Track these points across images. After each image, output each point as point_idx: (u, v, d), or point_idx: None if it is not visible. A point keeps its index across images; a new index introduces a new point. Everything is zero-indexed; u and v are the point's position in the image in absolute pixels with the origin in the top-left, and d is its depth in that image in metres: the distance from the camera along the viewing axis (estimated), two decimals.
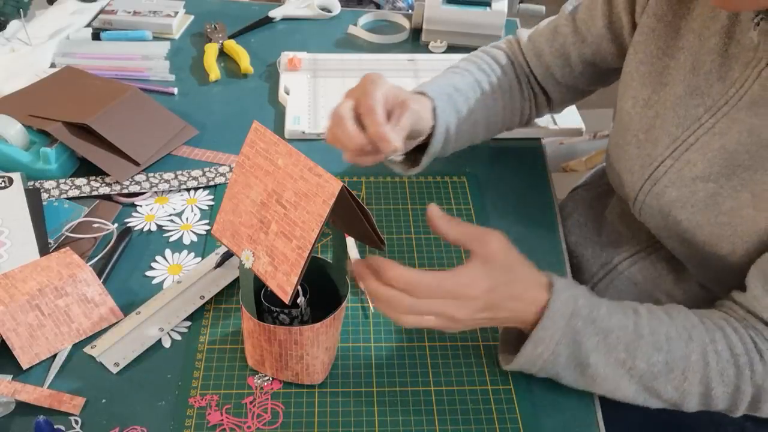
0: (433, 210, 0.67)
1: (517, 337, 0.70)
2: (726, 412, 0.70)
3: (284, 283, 0.61)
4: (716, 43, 0.71)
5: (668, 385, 0.67)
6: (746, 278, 0.69)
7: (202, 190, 0.93)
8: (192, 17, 1.32)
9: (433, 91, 0.82)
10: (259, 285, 0.68)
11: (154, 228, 0.87)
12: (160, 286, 0.80)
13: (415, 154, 0.83)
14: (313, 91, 1.12)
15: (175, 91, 1.12)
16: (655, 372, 0.66)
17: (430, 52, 1.26)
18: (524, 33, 0.95)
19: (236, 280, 0.80)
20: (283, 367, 0.69)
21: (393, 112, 0.72)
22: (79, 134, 0.93)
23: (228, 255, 0.81)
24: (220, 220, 0.67)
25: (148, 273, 0.81)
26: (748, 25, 0.67)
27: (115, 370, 0.70)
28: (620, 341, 0.66)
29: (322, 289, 0.71)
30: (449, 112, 0.82)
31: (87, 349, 0.72)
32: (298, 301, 0.68)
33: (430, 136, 0.80)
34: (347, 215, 0.63)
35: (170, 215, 0.89)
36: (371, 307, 0.78)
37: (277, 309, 0.67)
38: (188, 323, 0.76)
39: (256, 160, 0.64)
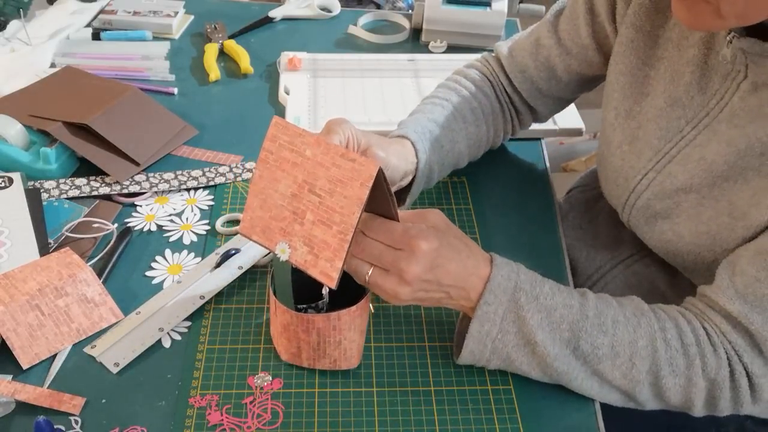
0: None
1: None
2: (684, 410, 0.69)
3: (328, 270, 0.61)
4: (695, 54, 0.71)
5: (615, 370, 0.66)
6: (717, 269, 0.69)
7: (202, 190, 0.93)
8: (192, 17, 1.32)
9: (415, 131, 0.81)
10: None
11: (154, 228, 0.87)
12: (160, 286, 0.80)
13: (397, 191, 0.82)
14: (313, 91, 1.12)
15: (175, 91, 1.12)
16: (600, 355, 0.65)
17: (430, 52, 1.26)
18: (504, 47, 0.94)
19: (236, 280, 0.80)
20: (321, 355, 0.70)
21: None
22: (79, 134, 0.93)
23: (228, 255, 0.81)
24: (247, 217, 0.67)
25: (148, 273, 0.81)
26: (724, 40, 0.67)
27: (115, 370, 0.70)
28: (564, 319, 0.66)
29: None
30: (432, 150, 0.82)
31: (87, 349, 0.72)
32: (323, 291, 0.69)
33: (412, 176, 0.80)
34: (377, 200, 0.64)
35: (170, 215, 0.89)
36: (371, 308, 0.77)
37: (303, 306, 0.69)
38: (188, 323, 0.76)
39: (280, 154, 0.64)
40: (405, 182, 0.80)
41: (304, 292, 0.69)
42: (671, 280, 0.84)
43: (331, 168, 0.60)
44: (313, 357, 0.70)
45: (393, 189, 0.79)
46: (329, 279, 0.61)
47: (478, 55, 0.99)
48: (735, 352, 0.65)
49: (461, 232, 0.68)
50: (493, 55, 0.96)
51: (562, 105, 0.96)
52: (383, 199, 0.63)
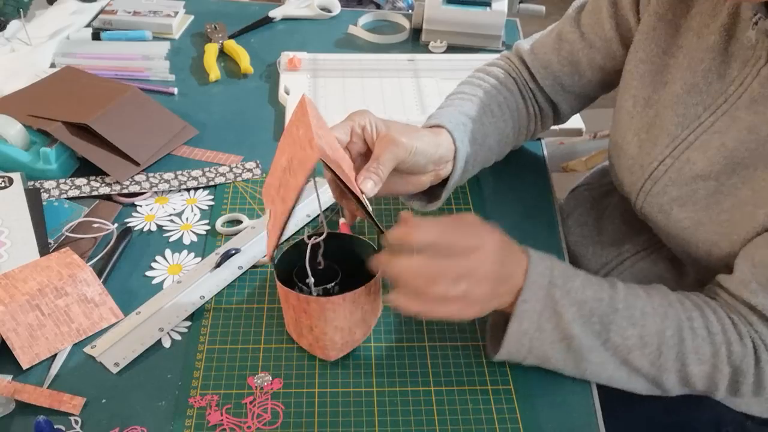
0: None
1: (503, 329, 0.69)
2: (707, 393, 0.70)
3: (269, 244, 0.66)
4: (715, 41, 0.71)
5: (644, 359, 0.66)
6: (735, 261, 0.69)
7: (202, 190, 0.93)
8: (192, 17, 1.32)
9: (450, 122, 0.79)
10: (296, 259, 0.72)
11: (154, 228, 0.87)
12: (160, 286, 0.80)
13: (432, 187, 0.80)
14: (314, 91, 1.12)
15: (175, 91, 1.12)
16: (630, 345, 0.66)
17: (430, 52, 1.26)
18: (524, 44, 0.94)
19: (236, 280, 0.80)
20: (300, 334, 0.71)
21: (374, 150, 0.71)
22: (79, 134, 0.93)
23: (228, 255, 0.81)
24: (266, 181, 0.73)
25: (148, 273, 0.81)
26: (748, 23, 0.67)
27: (115, 370, 0.70)
28: (594, 313, 0.66)
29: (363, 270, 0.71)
30: (467, 142, 0.80)
31: (87, 349, 0.72)
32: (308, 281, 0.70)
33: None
34: (352, 195, 0.66)
35: (170, 215, 0.89)
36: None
37: (299, 285, 0.71)
38: (188, 323, 0.76)
39: (290, 129, 0.68)
40: (445, 172, 0.78)
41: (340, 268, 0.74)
42: (678, 277, 0.84)
43: (300, 151, 0.63)
44: (296, 332, 0.72)
45: (429, 178, 0.77)
46: (268, 252, 0.66)
47: (496, 55, 0.98)
48: (762, 342, 0.66)
49: (499, 240, 0.68)
50: (513, 53, 0.96)
51: (582, 103, 0.95)
52: (354, 198, 0.66)
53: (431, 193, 0.82)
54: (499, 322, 0.70)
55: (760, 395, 0.68)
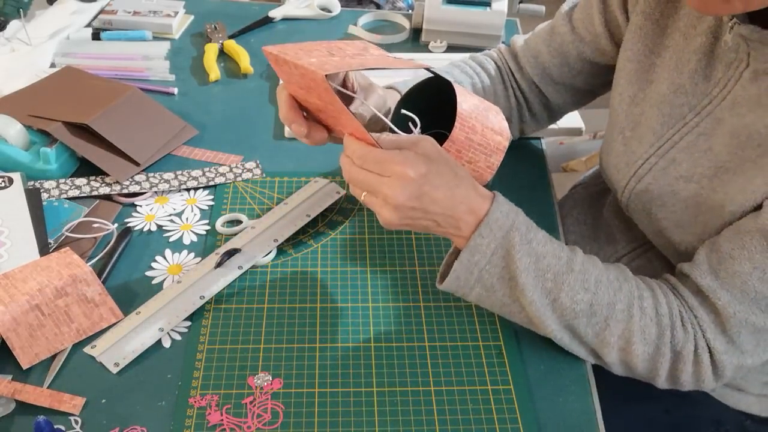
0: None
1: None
2: (648, 379, 0.70)
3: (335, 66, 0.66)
4: (702, 43, 0.71)
5: (588, 328, 0.67)
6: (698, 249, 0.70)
7: (202, 190, 0.93)
8: (192, 17, 1.32)
9: (404, 88, 0.82)
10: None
11: (154, 228, 0.87)
12: (160, 286, 0.80)
13: None
14: None
15: (175, 91, 1.12)
16: (577, 311, 0.67)
17: (430, 52, 1.26)
18: (520, 38, 0.96)
19: (236, 280, 0.80)
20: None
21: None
22: (79, 134, 0.93)
23: (228, 255, 0.81)
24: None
25: (148, 273, 0.81)
26: (728, 27, 0.67)
27: (115, 370, 0.70)
28: (550, 269, 0.67)
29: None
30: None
31: (87, 349, 0.72)
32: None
33: None
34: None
35: (170, 215, 0.89)
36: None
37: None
38: (188, 323, 0.76)
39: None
40: None
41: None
42: (674, 273, 0.84)
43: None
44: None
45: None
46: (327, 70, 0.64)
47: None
48: (700, 327, 0.67)
49: (454, 161, 0.68)
50: (508, 45, 0.98)
51: (577, 98, 0.96)
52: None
53: None
54: (452, 261, 0.70)
55: (698, 387, 0.69)
